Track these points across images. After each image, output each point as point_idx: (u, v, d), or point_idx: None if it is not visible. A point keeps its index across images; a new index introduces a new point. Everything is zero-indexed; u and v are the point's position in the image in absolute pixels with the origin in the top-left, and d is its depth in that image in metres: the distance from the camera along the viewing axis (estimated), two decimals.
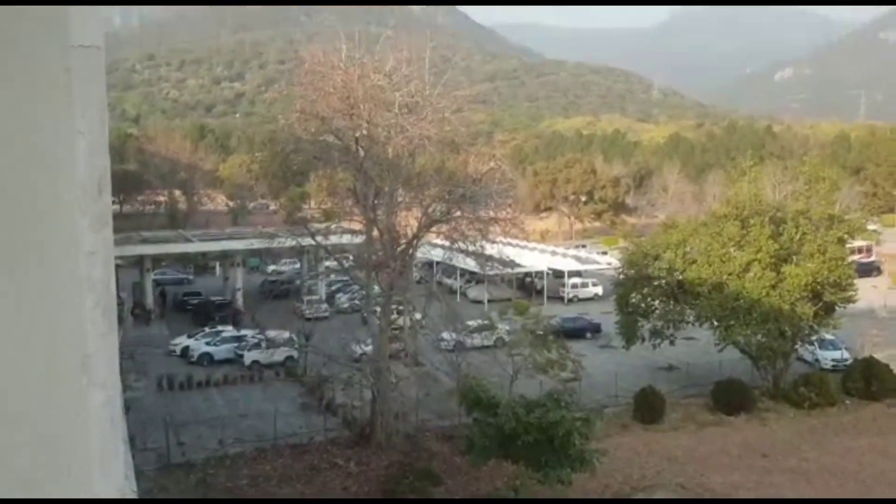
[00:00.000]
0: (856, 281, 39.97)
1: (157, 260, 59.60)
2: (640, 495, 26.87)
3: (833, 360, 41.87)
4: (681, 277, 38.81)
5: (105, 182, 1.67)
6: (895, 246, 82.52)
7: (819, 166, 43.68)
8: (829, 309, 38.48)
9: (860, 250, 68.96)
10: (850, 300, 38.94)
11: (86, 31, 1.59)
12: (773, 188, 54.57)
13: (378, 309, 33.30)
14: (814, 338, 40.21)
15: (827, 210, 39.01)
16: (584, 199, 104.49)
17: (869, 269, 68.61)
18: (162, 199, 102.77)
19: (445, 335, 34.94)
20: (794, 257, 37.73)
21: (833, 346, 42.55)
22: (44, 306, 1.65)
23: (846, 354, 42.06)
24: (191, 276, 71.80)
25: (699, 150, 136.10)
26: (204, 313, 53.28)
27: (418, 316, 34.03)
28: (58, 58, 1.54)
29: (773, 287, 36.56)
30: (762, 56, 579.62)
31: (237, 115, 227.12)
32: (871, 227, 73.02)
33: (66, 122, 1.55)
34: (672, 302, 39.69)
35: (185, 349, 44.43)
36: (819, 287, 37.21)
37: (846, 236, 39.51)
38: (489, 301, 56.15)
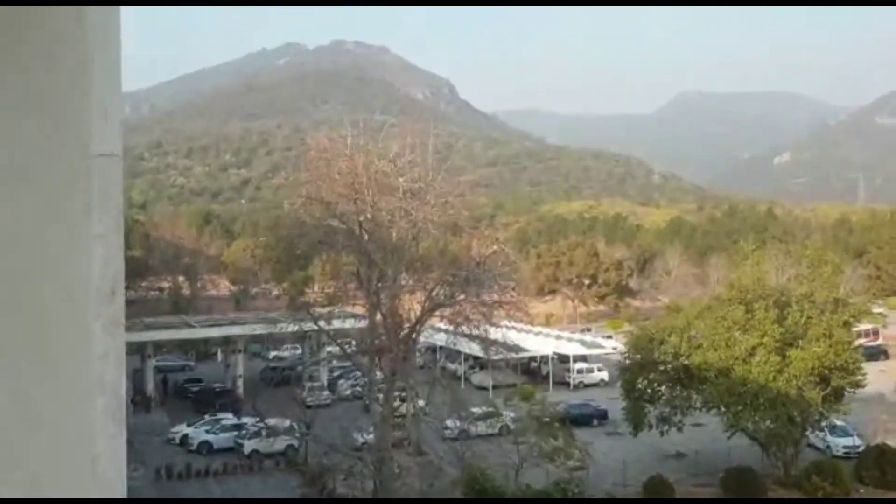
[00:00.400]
0: (863, 365, 39.59)
1: (158, 346, 59.40)
2: None
3: (845, 446, 41.05)
4: (687, 362, 38.49)
5: (119, 285, 1.69)
6: None
7: (822, 249, 43.96)
8: (837, 394, 37.98)
9: (866, 334, 68.44)
10: (858, 385, 38.48)
11: (107, 139, 1.64)
12: (776, 271, 54.59)
13: (380, 396, 32.96)
14: (824, 424, 39.55)
15: (831, 293, 39.01)
16: (587, 282, 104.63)
17: (876, 353, 67.98)
18: (166, 284, 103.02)
19: (449, 423, 34.46)
20: (800, 341, 37.45)
21: (844, 432, 41.79)
22: (53, 409, 1.66)
23: (858, 441, 41.26)
24: (192, 363, 71.43)
25: (701, 234, 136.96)
26: (204, 400, 52.77)
27: (422, 403, 33.67)
28: (79, 166, 1.58)
29: (780, 372, 36.19)
30: (760, 140, 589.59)
31: (243, 201, 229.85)
32: (876, 310, 72.77)
33: (83, 227, 1.58)
34: (679, 387, 39.25)
35: (185, 437, 43.82)
36: (826, 371, 36.83)
37: (852, 320, 39.35)
38: (494, 387, 55.51)
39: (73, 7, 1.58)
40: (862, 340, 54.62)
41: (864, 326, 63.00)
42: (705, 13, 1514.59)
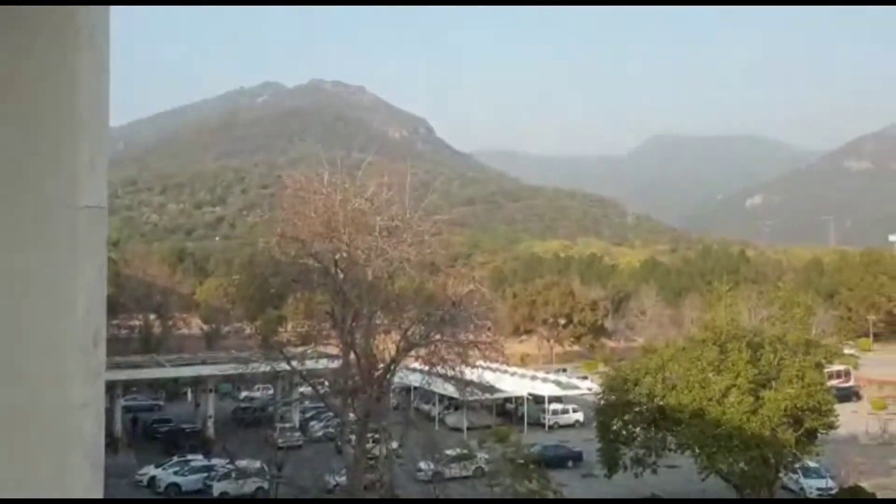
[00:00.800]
0: (836, 406, 39.84)
1: (128, 385, 58.44)
2: None
3: (818, 488, 41.15)
4: (661, 403, 38.50)
5: (101, 336, 1.68)
6: (874, 370, 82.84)
7: (794, 291, 44.44)
8: (810, 435, 38.14)
9: (838, 375, 69.05)
10: (831, 426, 38.67)
11: (94, 191, 1.64)
12: (749, 312, 55.08)
13: (353, 437, 32.54)
14: (797, 465, 39.65)
15: (803, 335, 39.34)
16: (563, 322, 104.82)
17: (848, 395, 68.47)
18: (137, 323, 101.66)
19: (423, 465, 34.10)
20: (773, 382, 37.66)
21: (817, 474, 41.91)
22: (32, 461, 1.63)
23: (831, 483, 41.38)
24: (162, 403, 70.34)
25: (675, 274, 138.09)
26: (173, 441, 51.91)
27: (395, 445, 33.26)
28: (65, 218, 1.58)
29: (754, 413, 36.29)
30: (733, 183, 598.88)
31: (217, 239, 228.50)
32: (847, 351, 73.48)
33: (68, 278, 1.58)
34: (653, 429, 39.21)
35: (153, 479, 42.99)
36: (799, 413, 37.00)
37: (824, 361, 39.68)
38: (468, 428, 55.14)
39: (63, 65, 1.59)
40: (834, 382, 55.10)
41: (836, 368, 63.62)
42: (680, 55, 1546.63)
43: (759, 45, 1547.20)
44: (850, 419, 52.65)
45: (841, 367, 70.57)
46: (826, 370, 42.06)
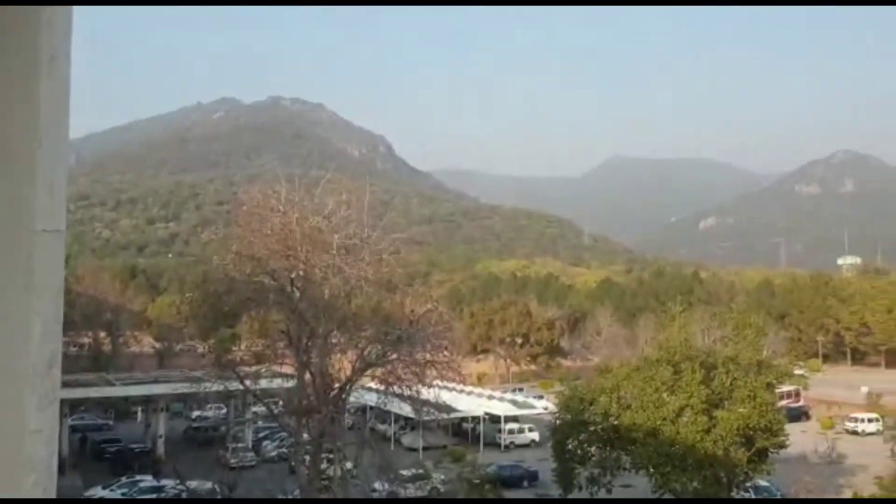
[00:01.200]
0: (786, 426, 40.53)
1: (76, 404, 57.03)
2: None
3: None
4: (616, 423, 38.77)
5: (56, 360, 1.65)
6: (822, 391, 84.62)
7: (746, 313, 45.15)
8: (762, 454, 38.70)
9: (789, 395, 70.40)
10: (781, 445, 39.30)
11: (52, 215, 1.62)
12: (702, 333, 55.92)
13: (307, 458, 32.14)
14: (749, 484, 40.17)
15: (755, 355, 40.00)
16: (520, 341, 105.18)
17: (798, 415, 69.80)
18: (86, 340, 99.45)
19: (378, 486, 33.78)
20: (726, 402, 38.21)
21: (768, 492, 42.52)
22: None
23: None
24: (111, 422, 68.80)
25: (630, 295, 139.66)
26: (122, 462, 50.78)
27: (350, 465, 32.92)
28: (22, 242, 1.55)
29: (707, 432, 36.74)
30: (686, 205, 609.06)
31: (170, 256, 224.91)
32: (798, 371, 74.94)
33: (23, 303, 1.55)
34: (608, 448, 39.44)
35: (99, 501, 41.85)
36: (751, 432, 37.55)
37: (775, 381, 40.36)
38: (424, 448, 54.86)
39: (24, 91, 1.58)
40: (785, 402, 56.05)
41: (787, 388, 64.82)
42: (635, 79, 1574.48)
43: (713, 70, 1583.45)
44: (800, 439, 53.63)
45: (791, 388, 71.97)
46: (777, 390, 42.77)
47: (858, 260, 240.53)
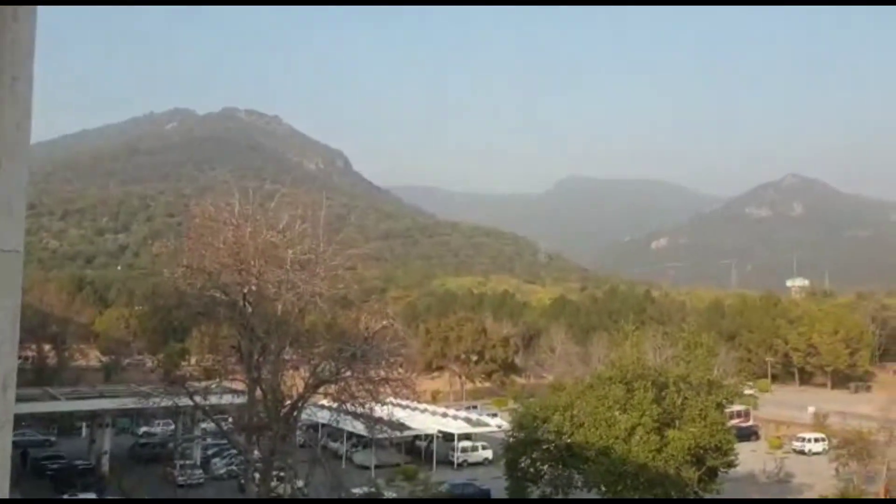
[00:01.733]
0: (736, 445, 41.06)
1: (17, 420, 55.29)
2: None
3: None
4: (569, 441, 38.87)
5: (11, 382, 1.55)
6: (772, 411, 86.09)
7: (697, 332, 45.76)
8: (712, 473, 39.12)
9: (738, 415, 71.43)
10: (731, 465, 39.79)
11: (10, 235, 1.52)
12: (654, 352, 56.50)
13: (257, 476, 31.57)
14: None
15: (706, 375, 40.49)
16: (475, 358, 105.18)
17: (748, 434, 70.81)
18: (30, 353, 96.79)
19: None
20: (677, 421, 38.58)
21: None
22: None
23: None
24: (54, 438, 66.87)
25: (584, 313, 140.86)
26: (65, 479, 49.27)
27: (300, 483, 32.43)
28: None
29: (659, 451, 37.02)
30: (640, 225, 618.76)
31: (119, 268, 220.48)
32: (747, 391, 76.12)
33: None
34: (561, 466, 39.49)
35: None
36: (702, 451, 37.96)
37: (725, 401, 40.90)
38: (377, 466, 54.34)
39: None
40: (734, 421, 56.82)
41: (737, 408, 65.77)
42: (593, 99, 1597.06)
43: (667, 94, 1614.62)
44: (749, 458, 54.40)
45: (741, 408, 73.09)
46: (727, 410, 43.35)
47: (807, 282, 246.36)
